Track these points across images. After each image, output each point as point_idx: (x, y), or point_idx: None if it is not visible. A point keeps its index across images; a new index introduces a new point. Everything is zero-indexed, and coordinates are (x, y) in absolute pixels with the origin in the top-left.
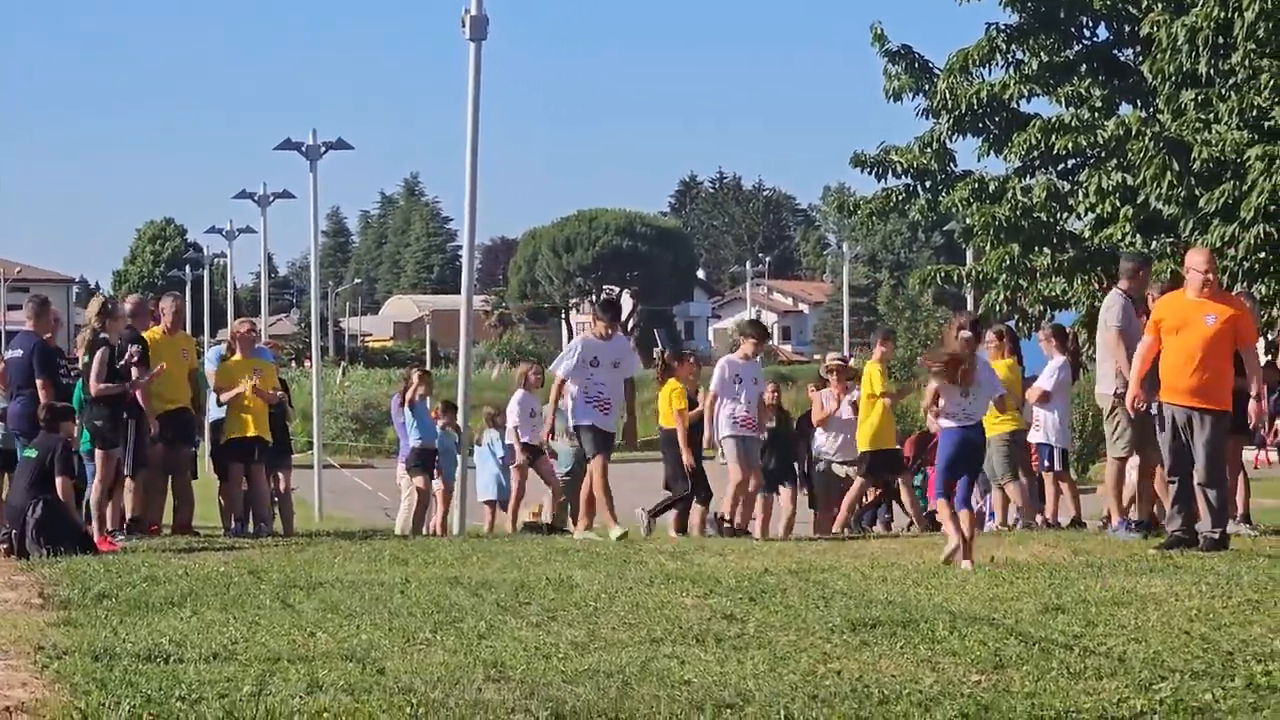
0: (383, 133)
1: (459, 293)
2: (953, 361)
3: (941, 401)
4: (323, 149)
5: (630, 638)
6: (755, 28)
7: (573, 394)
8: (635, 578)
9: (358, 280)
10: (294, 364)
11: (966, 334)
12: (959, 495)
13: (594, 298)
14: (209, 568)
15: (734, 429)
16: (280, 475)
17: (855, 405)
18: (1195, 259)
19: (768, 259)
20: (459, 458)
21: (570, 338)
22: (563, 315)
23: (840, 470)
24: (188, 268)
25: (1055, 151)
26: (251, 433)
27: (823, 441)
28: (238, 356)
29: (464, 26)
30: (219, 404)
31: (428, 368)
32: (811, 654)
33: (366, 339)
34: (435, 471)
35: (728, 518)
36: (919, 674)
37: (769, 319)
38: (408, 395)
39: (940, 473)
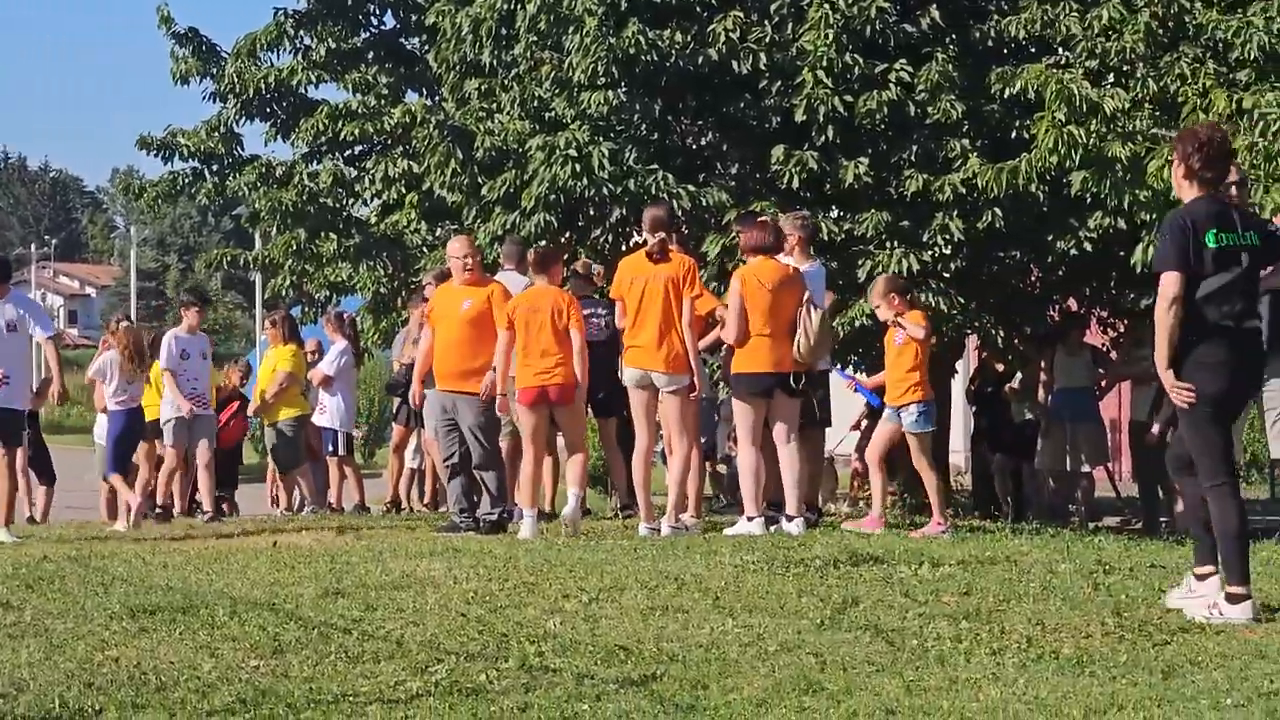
0: None
1: None
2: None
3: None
4: None
5: None
6: (41, 4)
7: None
8: None
9: None
10: None
11: (125, 323)
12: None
13: None
14: None
15: (177, 409)
16: None
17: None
18: (452, 246)
19: (54, 241)
20: None
21: None
22: None
23: None
24: None
25: (342, 138)
26: None
27: None
28: None
29: None
30: None
31: None
32: (89, 641)
33: None
34: None
35: (161, 501)
36: (198, 660)
37: (55, 302)
38: None
39: (113, 448)
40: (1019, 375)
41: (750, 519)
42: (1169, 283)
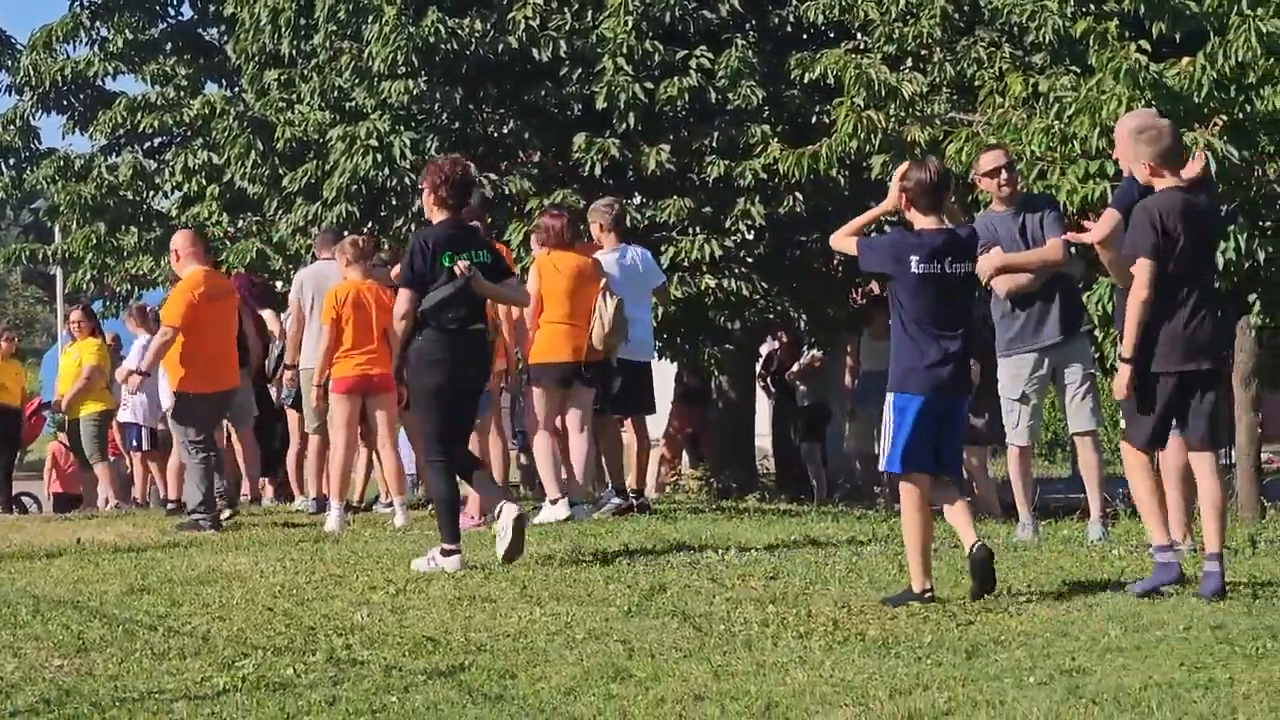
0: None
1: None
2: None
3: None
4: None
5: None
6: None
7: None
8: None
9: None
10: None
11: None
12: None
13: None
14: None
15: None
16: None
17: None
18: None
19: None
20: None
21: None
22: None
23: None
24: None
25: (142, 130)
26: None
27: None
28: None
29: None
30: None
31: None
32: None
33: None
34: None
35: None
36: (0, 660)
37: None
38: None
39: None
40: (800, 361)
41: (554, 501)
42: (401, 299)
